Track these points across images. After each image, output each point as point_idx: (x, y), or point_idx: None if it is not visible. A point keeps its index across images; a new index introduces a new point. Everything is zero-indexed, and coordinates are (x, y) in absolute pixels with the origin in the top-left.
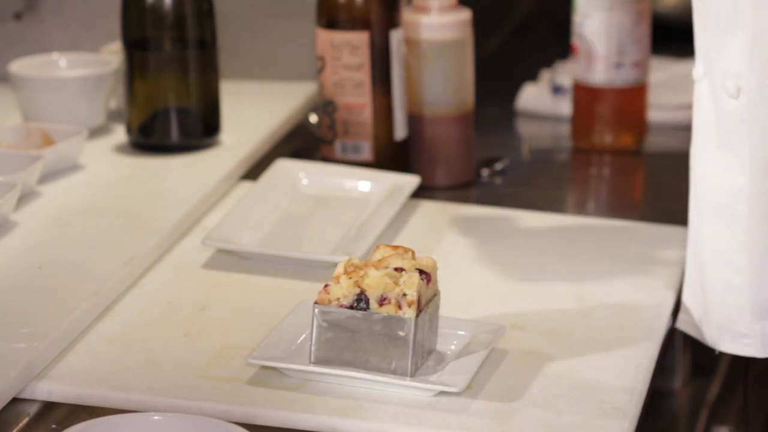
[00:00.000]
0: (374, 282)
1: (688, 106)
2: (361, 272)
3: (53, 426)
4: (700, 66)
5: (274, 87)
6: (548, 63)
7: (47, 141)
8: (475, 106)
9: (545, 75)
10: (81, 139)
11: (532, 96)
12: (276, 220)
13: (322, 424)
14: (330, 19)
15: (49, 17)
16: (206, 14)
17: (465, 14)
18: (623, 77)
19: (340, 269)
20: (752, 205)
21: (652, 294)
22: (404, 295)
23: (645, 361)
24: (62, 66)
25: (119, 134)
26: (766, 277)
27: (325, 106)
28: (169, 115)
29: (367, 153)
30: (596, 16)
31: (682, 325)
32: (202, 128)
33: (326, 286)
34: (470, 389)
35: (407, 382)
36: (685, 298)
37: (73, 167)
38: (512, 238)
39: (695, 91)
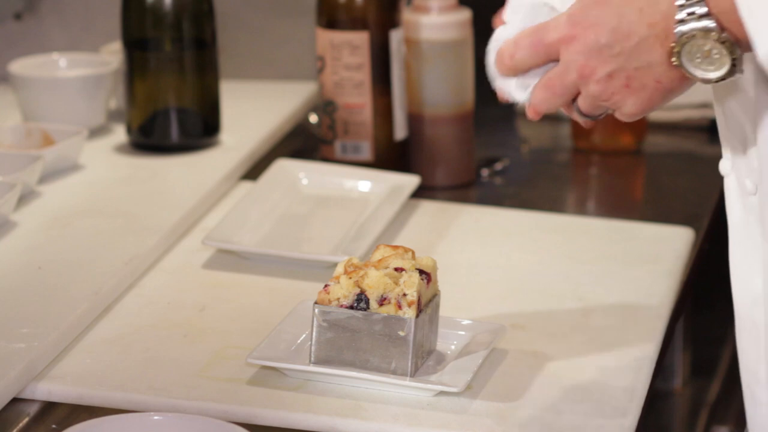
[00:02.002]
0: (374, 282)
1: (689, 106)
2: (361, 272)
3: (53, 426)
4: (726, 160)
5: (274, 87)
6: None
7: (47, 141)
8: (475, 106)
9: None
10: (81, 139)
11: None
12: (276, 220)
13: (322, 424)
14: (330, 19)
15: (49, 17)
16: (206, 14)
17: (465, 14)
18: None
19: (340, 269)
20: None
21: (652, 294)
22: (404, 295)
23: (645, 361)
24: (62, 66)
25: (119, 134)
26: None
27: (325, 106)
28: (169, 115)
29: (367, 153)
30: None
31: None
32: (202, 128)
33: (326, 286)
34: (470, 389)
35: (407, 382)
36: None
37: (73, 167)
38: (512, 238)
39: (725, 185)
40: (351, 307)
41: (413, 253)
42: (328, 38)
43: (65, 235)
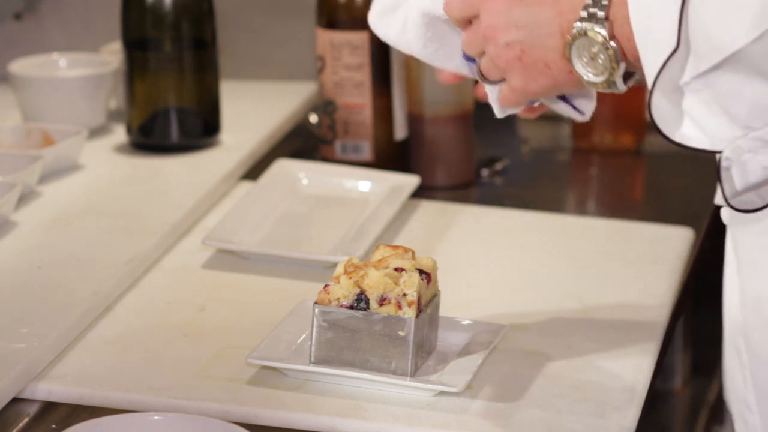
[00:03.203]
0: (374, 282)
1: None
2: (361, 272)
3: (53, 426)
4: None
5: (274, 87)
6: None
7: (47, 141)
8: (475, 106)
9: None
10: (81, 139)
11: None
12: (276, 220)
13: (322, 424)
14: (330, 19)
15: (49, 17)
16: (206, 14)
17: None
18: None
19: (340, 269)
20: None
21: (652, 294)
22: (404, 295)
23: (645, 361)
24: (62, 66)
25: (119, 134)
26: None
27: (325, 106)
28: (169, 115)
29: (367, 153)
30: None
31: None
32: (202, 128)
33: (326, 286)
34: (470, 389)
35: (407, 382)
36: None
37: (73, 167)
38: (512, 238)
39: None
40: (351, 307)
41: (413, 253)
42: (328, 38)
43: (65, 235)
